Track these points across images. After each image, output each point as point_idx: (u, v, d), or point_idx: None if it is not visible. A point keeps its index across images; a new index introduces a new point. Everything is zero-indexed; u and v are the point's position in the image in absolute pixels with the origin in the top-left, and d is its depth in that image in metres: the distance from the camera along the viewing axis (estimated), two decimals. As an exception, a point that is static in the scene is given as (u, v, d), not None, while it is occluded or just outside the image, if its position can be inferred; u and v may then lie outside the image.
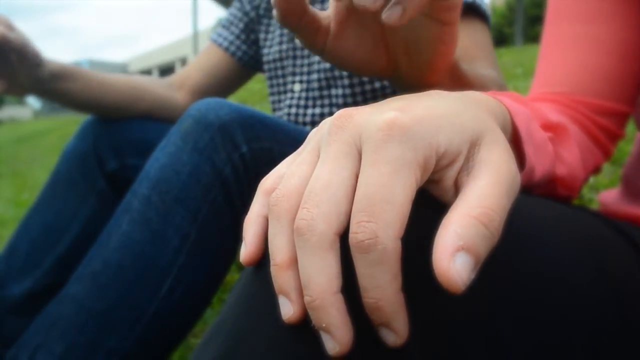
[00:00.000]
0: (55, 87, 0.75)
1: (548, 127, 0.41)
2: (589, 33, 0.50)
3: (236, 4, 1.01)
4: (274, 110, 0.97)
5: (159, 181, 0.54)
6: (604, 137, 0.51)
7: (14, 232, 0.86)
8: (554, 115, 0.43)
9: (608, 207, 0.53)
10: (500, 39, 13.00)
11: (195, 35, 12.58)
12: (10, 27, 0.69)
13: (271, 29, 0.95)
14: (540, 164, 0.35)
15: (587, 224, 0.33)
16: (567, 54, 0.52)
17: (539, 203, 0.32)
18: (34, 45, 0.71)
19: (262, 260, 0.25)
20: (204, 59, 0.99)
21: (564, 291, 0.26)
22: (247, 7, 0.98)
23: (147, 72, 39.31)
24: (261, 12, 0.96)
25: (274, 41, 0.93)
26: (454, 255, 0.19)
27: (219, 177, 0.54)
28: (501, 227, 0.20)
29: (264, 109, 4.13)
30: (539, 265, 0.26)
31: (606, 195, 0.58)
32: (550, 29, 0.55)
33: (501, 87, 0.64)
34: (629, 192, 0.53)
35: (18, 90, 0.74)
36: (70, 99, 0.79)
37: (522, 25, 9.64)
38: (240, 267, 1.19)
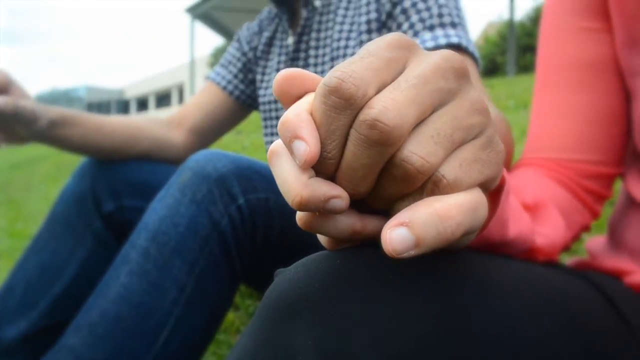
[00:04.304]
0: (54, 134, 0.76)
1: (525, 208, 0.42)
2: (572, 102, 0.53)
3: (235, 44, 1.04)
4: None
5: (157, 233, 0.55)
6: (590, 199, 0.54)
7: (10, 272, 0.86)
8: (530, 195, 0.45)
9: (594, 257, 0.55)
10: (493, 68, 13.21)
11: (192, 62, 12.70)
12: (7, 86, 0.70)
13: (267, 70, 0.97)
14: (513, 221, 0.36)
15: (567, 287, 0.35)
16: (554, 121, 0.55)
17: (519, 267, 0.33)
18: (30, 103, 0.71)
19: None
20: (202, 98, 1.01)
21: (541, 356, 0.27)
22: (246, 48, 1.01)
23: (144, 98, 39.52)
24: (258, 54, 0.99)
25: (270, 83, 0.95)
26: (396, 227, 0.22)
27: (216, 229, 0.55)
28: (457, 232, 0.22)
29: (259, 138, 4.17)
30: (516, 331, 0.27)
31: (593, 243, 0.59)
32: (539, 97, 0.58)
33: (507, 125, 0.65)
34: (614, 242, 0.54)
35: (17, 141, 0.75)
36: (69, 144, 0.79)
37: (514, 54, 9.82)
38: (237, 307, 1.19)
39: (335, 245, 0.28)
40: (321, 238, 0.28)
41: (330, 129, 0.23)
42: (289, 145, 0.24)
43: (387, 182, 0.24)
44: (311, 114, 0.24)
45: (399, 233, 0.21)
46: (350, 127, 0.23)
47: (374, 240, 0.27)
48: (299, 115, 0.23)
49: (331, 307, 0.25)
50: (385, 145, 0.22)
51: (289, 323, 0.25)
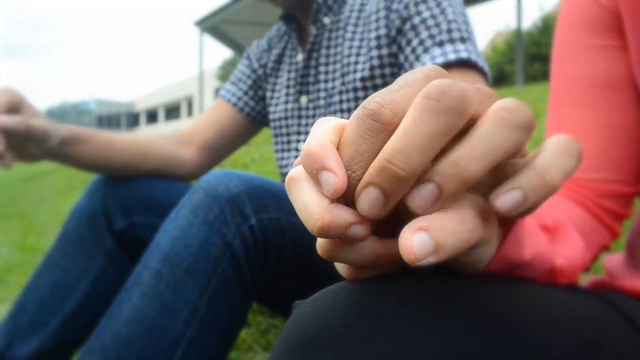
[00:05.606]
0: (65, 151, 0.76)
1: (544, 230, 0.42)
2: (588, 120, 0.52)
3: (244, 62, 1.04)
4: (280, 167, 0.98)
5: (170, 254, 0.55)
6: (609, 219, 0.53)
7: (22, 291, 0.87)
8: (549, 216, 0.44)
9: (612, 277, 0.54)
10: (501, 77, 13.20)
11: (201, 75, 12.81)
12: (19, 105, 0.71)
13: (277, 87, 0.98)
14: (530, 240, 0.35)
15: (589, 311, 0.34)
16: None
17: (539, 292, 0.33)
18: (42, 121, 0.71)
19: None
20: (213, 115, 1.01)
21: None
22: (256, 65, 1.02)
23: (153, 110, 39.86)
24: (268, 71, 0.99)
25: (280, 100, 0.96)
26: (416, 232, 0.21)
27: (228, 249, 0.55)
28: (472, 238, 0.22)
29: (269, 150, 4.18)
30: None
31: (610, 260, 0.58)
32: (553, 115, 0.57)
33: None
34: (632, 261, 0.53)
35: (29, 159, 0.76)
36: (80, 162, 0.80)
37: (522, 63, 9.81)
38: (248, 324, 1.18)
39: (355, 274, 0.28)
40: (340, 268, 0.28)
41: (360, 150, 0.23)
42: (315, 177, 0.24)
43: None
44: (342, 135, 0.24)
45: (419, 238, 0.21)
46: (379, 152, 0.23)
47: (395, 270, 0.27)
48: (324, 146, 0.23)
49: (352, 342, 0.24)
50: None
51: (309, 358, 0.25)
